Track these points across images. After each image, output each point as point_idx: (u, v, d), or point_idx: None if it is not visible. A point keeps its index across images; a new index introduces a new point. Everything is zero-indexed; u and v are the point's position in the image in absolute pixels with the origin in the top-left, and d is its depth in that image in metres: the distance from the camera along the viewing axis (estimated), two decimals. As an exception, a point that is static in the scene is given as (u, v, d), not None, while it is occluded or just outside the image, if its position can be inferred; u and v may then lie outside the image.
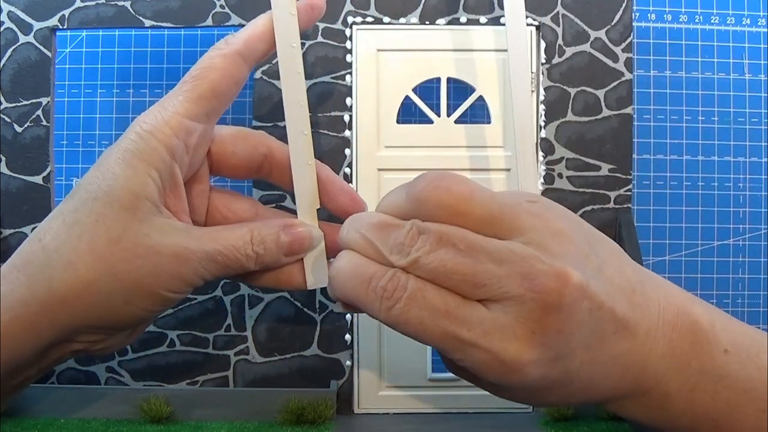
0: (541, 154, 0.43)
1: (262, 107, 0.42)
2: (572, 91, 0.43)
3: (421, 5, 0.43)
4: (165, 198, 0.31)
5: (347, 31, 0.43)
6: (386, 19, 0.43)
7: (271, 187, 0.42)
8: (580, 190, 0.43)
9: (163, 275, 0.30)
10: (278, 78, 0.33)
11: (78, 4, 0.42)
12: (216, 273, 0.31)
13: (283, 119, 0.33)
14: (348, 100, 0.43)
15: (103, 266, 0.29)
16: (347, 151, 0.43)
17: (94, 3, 0.42)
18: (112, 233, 0.29)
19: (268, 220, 0.34)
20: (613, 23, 0.43)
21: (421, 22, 0.43)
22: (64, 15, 0.42)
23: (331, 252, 0.35)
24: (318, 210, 0.34)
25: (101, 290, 0.29)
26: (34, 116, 0.43)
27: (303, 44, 0.42)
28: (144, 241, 0.29)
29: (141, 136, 0.30)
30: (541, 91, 0.43)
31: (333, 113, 0.43)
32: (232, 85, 0.32)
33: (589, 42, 0.43)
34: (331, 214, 0.35)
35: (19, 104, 0.43)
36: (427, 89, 0.44)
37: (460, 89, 0.44)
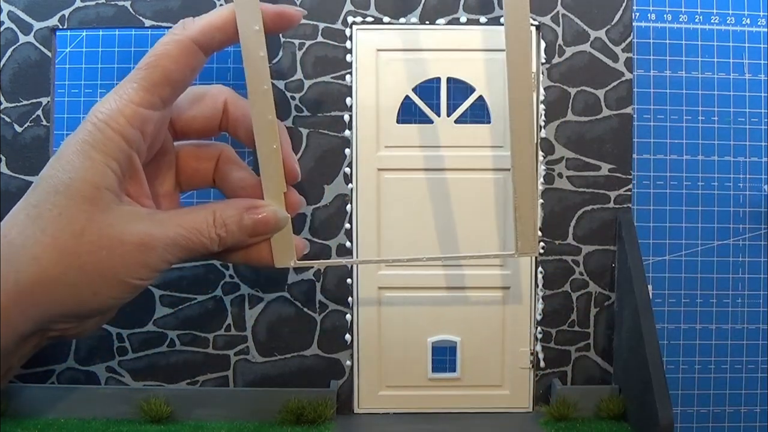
0: (541, 153, 0.43)
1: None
2: (572, 90, 0.43)
3: (421, 5, 0.43)
4: (126, 185, 0.31)
5: (347, 31, 0.43)
6: (386, 19, 0.43)
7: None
8: (580, 189, 0.43)
9: (129, 264, 0.30)
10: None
11: (78, 4, 0.42)
12: (181, 256, 0.31)
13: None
14: (348, 100, 0.43)
15: (68, 260, 0.29)
16: (347, 151, 0.43)
17: (94, 3, 0.42)
18: (76, 226, 0.29)
19: (233, 200, 0.34)
20: (613, 23, 0.43)
21: (421, 22, 0.43)
22: (64, 15, 0.42)
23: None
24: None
25: (68, 283, 0.29)
26: (34, 116, 0.43)
27: (303, 44, 0.42)
28: (108, 231, 0.29)
29: (97, 126, 0.30)
30: (541, 91, 0.43)
31: (333, 113, 0.43)
32: (187, 72, 0.32)
33: (589, 42, 0.43)
34: None
35: (19, 104, 0.43)
36: (427, 89, 0.44)
37: (460, 89, 0.44)
